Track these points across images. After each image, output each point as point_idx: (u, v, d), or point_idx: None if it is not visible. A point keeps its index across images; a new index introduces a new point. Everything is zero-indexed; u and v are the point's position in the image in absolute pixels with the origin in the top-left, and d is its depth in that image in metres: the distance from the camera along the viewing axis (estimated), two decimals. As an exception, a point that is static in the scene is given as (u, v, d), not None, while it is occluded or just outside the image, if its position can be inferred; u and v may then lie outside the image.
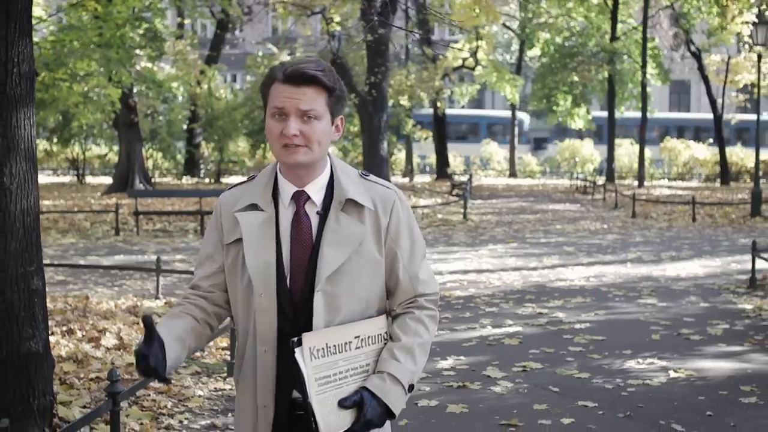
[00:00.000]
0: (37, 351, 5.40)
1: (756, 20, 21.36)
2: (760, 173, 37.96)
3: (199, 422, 5.96)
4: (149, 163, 33.46)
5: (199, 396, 6.49)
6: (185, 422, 5.93)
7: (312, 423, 2.44)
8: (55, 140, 32.86)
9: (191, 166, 35.32)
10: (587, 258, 14.62)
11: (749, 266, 11.65)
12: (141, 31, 19.93)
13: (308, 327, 2.51)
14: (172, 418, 5.99)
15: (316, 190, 2.59)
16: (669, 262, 14.14)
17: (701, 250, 15.81)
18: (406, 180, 37.24)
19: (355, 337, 2.55)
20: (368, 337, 2.58)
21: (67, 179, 36.40)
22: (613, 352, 7.84)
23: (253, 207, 2.58)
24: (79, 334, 7.88)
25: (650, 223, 21.15)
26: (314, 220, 2.58)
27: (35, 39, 19.07)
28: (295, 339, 2.44)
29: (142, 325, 2.32)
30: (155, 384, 6.46)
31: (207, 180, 34.89)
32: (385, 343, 2.62)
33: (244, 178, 2.74)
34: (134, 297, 10.25)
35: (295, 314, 2.54)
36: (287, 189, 2.59)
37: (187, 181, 34.28)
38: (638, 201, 23.76)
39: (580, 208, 25.65)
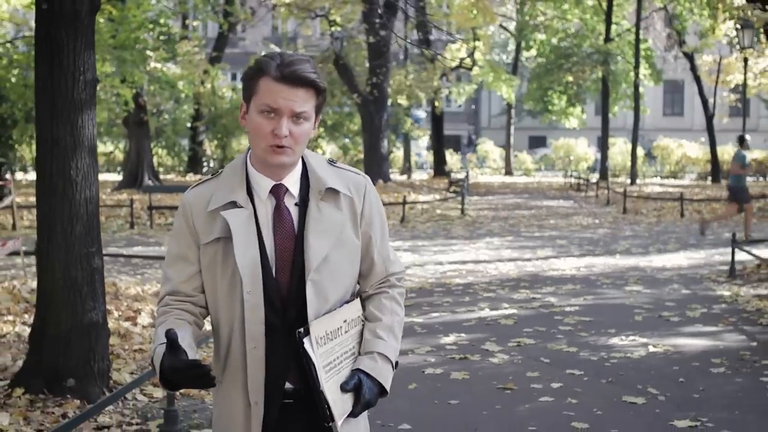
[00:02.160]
0: (97, 321, 6.26)
1: (738, 26, 22.18)
2: (752, 171, 39.02)
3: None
4: (154, 161, 34.27)
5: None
6: (221, 386, 6.76)
7: (325, 411, 2.47)
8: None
9: (194, 164, 36.16)
10: (579, 250, 15.48)
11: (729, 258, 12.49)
12: (155, 34, 20.78)
13: (299, 319, 2.52)
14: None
15: (292, 182, 2.59)
16: (656, 254, 14.99)
17: (687, 243, 16.69)
18: (404, 177, 38.09)
19: (344, 322, 2.59)
20: (352, 320, 2.62)
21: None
22: (599, 331, 8.69)
23: (233, 205, 2.53)
24: (116, 314, 8.70)
25: (640, 218, 22.04)
26: (294, 212, 2.58)
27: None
28: (302, 330, 2.46)
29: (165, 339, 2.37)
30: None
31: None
32: (363, 325, 2.67)
33: (208, 177, 2.75)
34: (158, 284, 11.07)
35: (284, 307, 2.54)
36: (263, 183, 2.57)
37: (190, 178, 35.10)
38: (629, 198, 24.63)
39: (574, 205, 26.56)
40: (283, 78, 2.47)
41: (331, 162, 2.68)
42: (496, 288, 11.31)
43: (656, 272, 12.78)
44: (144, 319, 8.57)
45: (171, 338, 2.34)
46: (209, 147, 36.57)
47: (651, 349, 7.97)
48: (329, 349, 2.51)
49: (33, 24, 22.56)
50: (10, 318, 8.55)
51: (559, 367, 7.28)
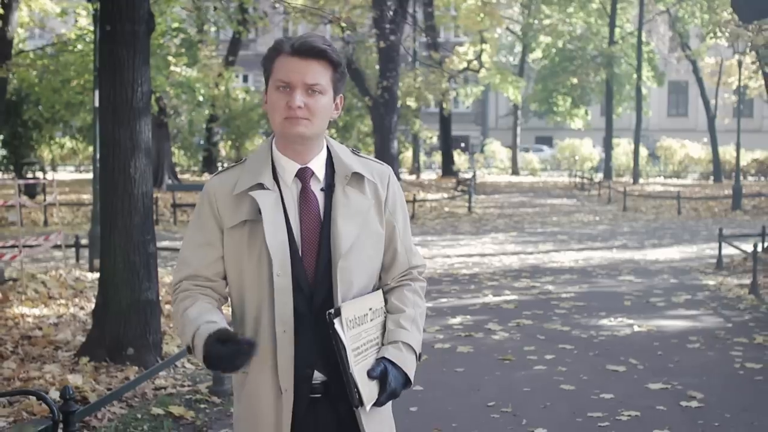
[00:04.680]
0: (152, 299, 7.25)
1: (727, 34, 23.09)
2: (753, 171, 39.91)
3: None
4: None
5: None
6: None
7: (354, 395, 2.46)
8: (81, 139, 34.56)
9: (209, 164, 37.23)
10: (578, 245, 16.48)
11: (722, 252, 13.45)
12: (178, 42, 21.83)
13: (325, 304, 2.50)
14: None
15: (318, 167, 2.58)
16: (650, 248, 15.97)
17: (681, 238, 17.67)
18: (414, 177, 39.07)
19: (369, 309, 2.57)
20: (376, 309, 2.61)
21: (90, 176, 38.15)
22: (590, 314, 9.67)
23: (260, 187, 2.52)
24: (157, 298, 9.68)
25: (639, 216, 23.04)
26: (320, 197, 2.57)
27: (79, 47, 20.92)
28: (332, 311, 2.45)
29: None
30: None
31: (225, 177, 36.81)
32: (385, 316, 2.65)
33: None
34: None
35: (311, 292, 2.52)
36: (288, 167, 2.56)
37: (206, 177, 36.15)
38: (630, 196, 25.60)
39: (576, 203, 27.58)
40: (294, 51, 2.48)
41: (354, 151, 2.69)
42: (500, 278, 12.29)
43: (649, 264, 13.75)
44: (182, 302, 9.56)
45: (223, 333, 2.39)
46: (224, 148, 37.63)
47: (636, 328, 8.93)
48: (357, 334, 2.49)
49: (60, 30, 23.55)
50: (63, 302, 9.55)
51: (553, 343, 8.26)
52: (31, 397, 6.01)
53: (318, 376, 2.53)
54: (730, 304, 10.33)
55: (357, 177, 2.59)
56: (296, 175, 2.55)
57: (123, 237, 7.08)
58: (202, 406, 6.29)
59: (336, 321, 2.43)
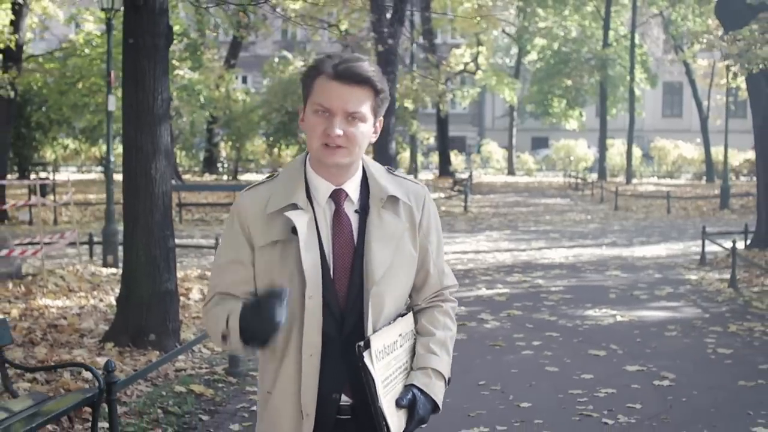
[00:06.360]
0: (171, 290, 7.88)
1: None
2: (745, 171, 40.57)
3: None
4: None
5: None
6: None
7: (383, 427, 2.41)
8: (84, 140, 35.16)
9: (210, 164, 37.89)
10: (569, 242, 17.14)
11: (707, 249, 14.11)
12: (182, 46, 22.50)
13: (355, 329, 2.46)
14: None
15: (353, 189, 2.52)
16: (639, 245, 16.63)
17: (669, 236, 18.35)
18: (411, 177, 39.71)
19: (399, 336, 2.53)
20: (405, 334, 2.57)
21: (92, 176, 38.77)
22: (577, 305, 10.32)
23: (293, 207, 2.45)
24: (170, 291, 10.33)
25: (629, 215, 23.72)
26: (353, 219, 2.51)
27: (86, 51, 21.54)
28: (362, 343, 2.39)
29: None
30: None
31: (225, 177, 37.44)
32: (414, 339, 2.61)
33: (261, 177, 2.66)
34: (197, 269, 12.71)
35: (342, 317, 2.47)
36: (322, 187, 2.50)
37: (206, 178, 36.80)
38: (622, 196, 26.27)
39: (570, 202, 28.27)
40: (337, 75, 2.39)
41: (390, 170, 2.63)
42: (493, 273, 12.95)
43: (636, 260, 14.41)
44: (195, 295, 10.21)
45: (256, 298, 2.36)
46: (224, 149, 38.29)
47: (618, 318, 9.59)
48: (387, 364, 2.46)
49: (62, 32, 24.24)
50: (83, 294, 10.18)
51: (540, 331, 8.91)
52: (66, 374, 6.69)
53: (345, 399, 2.50)
54: (709, 297, 10.99)
55: (392, 200, 2.53)
56: (330, 196, 2.50)
57: (145, 233, 7.71)
58: (220, 385, 6.94)
59: (365, 354, 2.39)
